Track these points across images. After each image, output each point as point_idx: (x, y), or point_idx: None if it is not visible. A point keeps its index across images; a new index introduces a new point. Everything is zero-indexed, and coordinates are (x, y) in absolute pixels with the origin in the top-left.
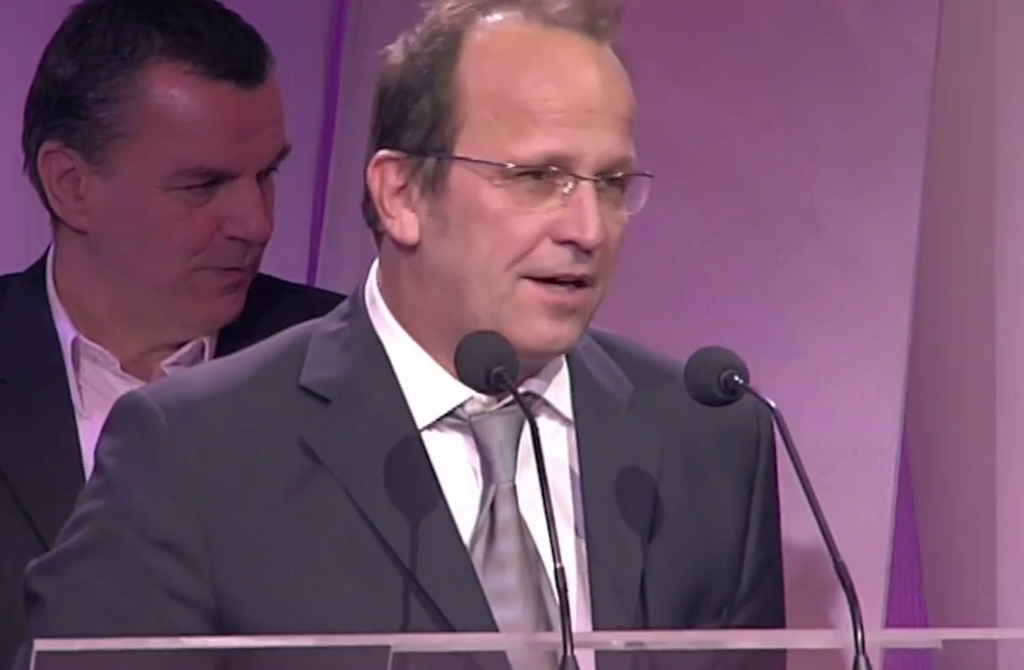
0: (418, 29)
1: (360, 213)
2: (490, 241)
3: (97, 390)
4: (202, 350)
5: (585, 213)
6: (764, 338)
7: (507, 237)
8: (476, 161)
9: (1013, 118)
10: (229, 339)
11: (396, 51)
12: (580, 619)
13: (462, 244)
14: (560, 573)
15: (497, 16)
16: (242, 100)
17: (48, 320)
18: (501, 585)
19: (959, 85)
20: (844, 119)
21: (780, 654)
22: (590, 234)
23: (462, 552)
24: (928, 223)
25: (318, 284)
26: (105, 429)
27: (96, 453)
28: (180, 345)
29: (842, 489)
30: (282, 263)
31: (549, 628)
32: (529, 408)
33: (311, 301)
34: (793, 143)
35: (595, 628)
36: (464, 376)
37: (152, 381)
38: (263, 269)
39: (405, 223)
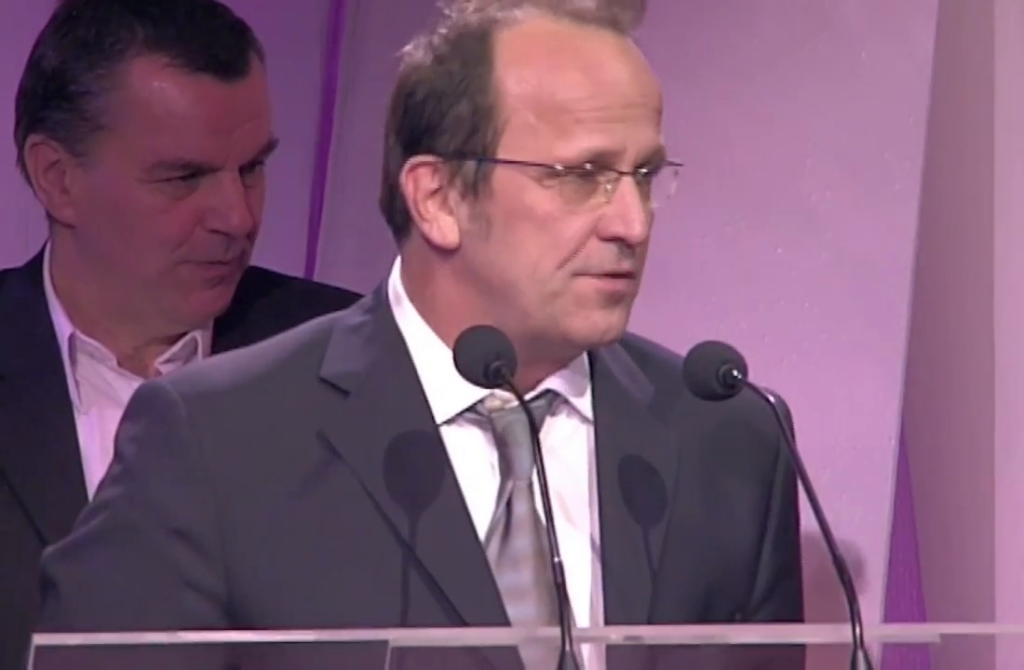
0: (441, 30)
1: (358, 207)
2: (538, 243)
3: (94, 386)
4: (196, 346)
5: (629, 209)
6: (762, 334)
7: (557, 238)
8: (523, 163)
9: (1011, 116)
10: (223, 333)
11: (419, 53)
12: (593, 619)
13: (508, 246)
14: (558, 568)
15: (524, 15)
16: (223, 93)
17: (45, 315)
18: (515, 582)
19: (957, 83)
20: (842, 117)
21: (800, 652)
22: (636, 229)
23: (477, 548)
24: (927, 220)
25: (316, 278)
26: (125, 416)
27: (116, 439)
28: (174, 340)
29: (841, 484)
30: (280, 257)
31: None
32: (528, 405)
33: (305, 293)
34: (791, 141)
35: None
36: (461, 370)
37: (148, 378)
38: (261, 263)
39: (444, 226)
